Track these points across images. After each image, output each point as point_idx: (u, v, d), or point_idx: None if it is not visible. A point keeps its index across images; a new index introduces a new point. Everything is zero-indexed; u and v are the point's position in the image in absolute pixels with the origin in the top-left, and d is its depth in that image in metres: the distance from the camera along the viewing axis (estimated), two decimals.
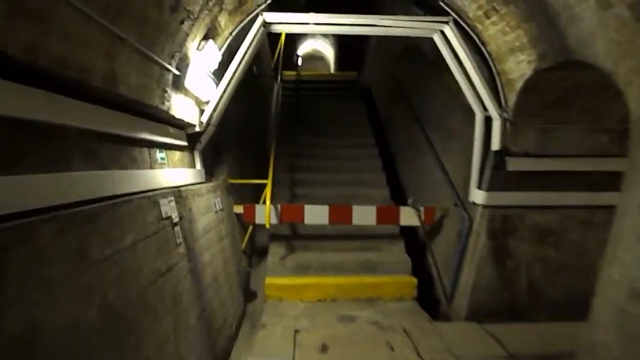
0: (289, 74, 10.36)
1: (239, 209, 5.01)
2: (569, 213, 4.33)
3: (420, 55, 6.62)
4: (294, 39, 14.62)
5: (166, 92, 3.06)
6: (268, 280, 4.86)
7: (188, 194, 3.40)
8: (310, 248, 5.33)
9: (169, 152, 3.56)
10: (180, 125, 3.75)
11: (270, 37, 10.16)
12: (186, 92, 3.51)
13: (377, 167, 6.77)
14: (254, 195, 5.75)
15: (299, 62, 14.78)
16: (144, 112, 2.94)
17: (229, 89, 4.32)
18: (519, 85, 3.86)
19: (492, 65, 4.16)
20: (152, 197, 2.65)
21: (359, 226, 5.23)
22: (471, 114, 4.82)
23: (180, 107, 3.44)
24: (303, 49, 15.73)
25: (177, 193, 3.16)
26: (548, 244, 4.33)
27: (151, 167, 3.12)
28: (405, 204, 6.38)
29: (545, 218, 4.32)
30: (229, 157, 5.31)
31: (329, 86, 10.00)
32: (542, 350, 3.59)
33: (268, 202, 4.75)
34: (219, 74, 4.14)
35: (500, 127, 4.17)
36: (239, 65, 4.19)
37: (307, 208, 5.03)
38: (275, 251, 5.22)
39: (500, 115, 4.12)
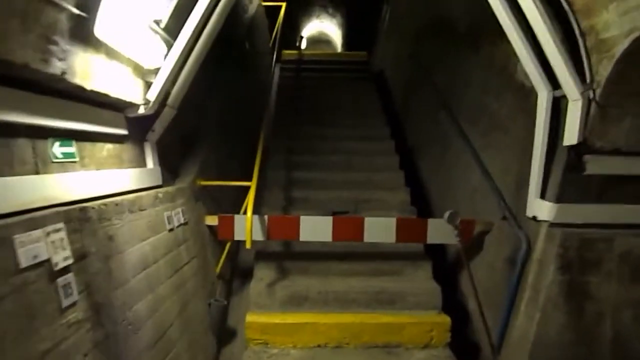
0: (289, 53, 9.03)
1: (212, 221, 3.75)
2: None
3: (450, 27, 5.33)
4: (297, 20, 13.29)
5: (55, 43, 1.79)
6: (250, 317, 3.61)
7: (107, 213, 2.13)
8: (307, 271, 4.07)
9: (87, 145, 2.32)
10: (108, 104, 2.49)
11: (269, 16, 8.91)
12: (107, 50, 2.23)
13: (394, 164, 5.47)
14: (238, 201, 4.49)
15: (303, 44, 13.42)
16: (12, 78, 1.69)
17: (194, 55, 3.05)
18: (620, 48, 2.54)
19: (573, 22, 2.84)
20: None
21: (373, 242, 3.96)
22: (525, 96, 3.56)
23: (97, 72, 2.17)
24: (307, 31, 14.36)
25: (78, 214, 1.89)
26: None
27: (37, 171, 1.87)
28: (429, 211, 5.13)
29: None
30: (204, 152, 4.06)
31: (334, 67, 8.66)
32: None
33: (249, 213, 3.48)
34: (175, 33, 2.87)
35: (582, 112, 2.85)
36: (206, 17, 2.92)
37: (304, 220, 3.76)
38: (262, 275, 3.97)
39: (583, 94, 2.82)
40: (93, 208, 2.01)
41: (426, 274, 4.05)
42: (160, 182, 3.20)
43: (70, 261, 1.74)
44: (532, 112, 3.37)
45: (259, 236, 3.70)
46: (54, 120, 1.99)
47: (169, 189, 3.12)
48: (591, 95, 2.81)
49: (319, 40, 15.09)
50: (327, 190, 4.96)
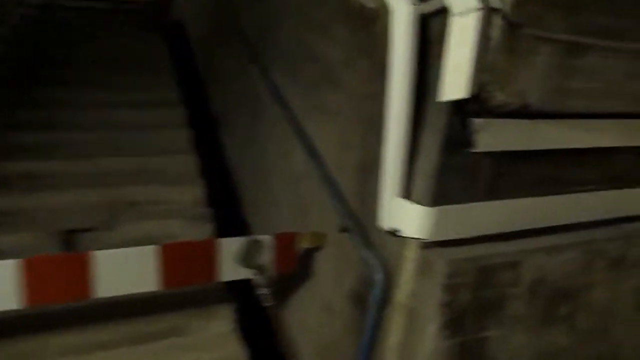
0: None
1: None
2: (595, 245, 1.95)
3: None
4: None
5: None
6: None
7: None
8: None
9: None
10: None
11: None
12: None
13: (181, 142, 3.62)
14: None
15: None
16: None
17: None
18: None
19: None
20: None
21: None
22: (365, 25, 2.11)
23: None
24: None
25: None
26: (559, 320, 1.91)
27: None
28: (240, 214, 3.52)
29: (554, 263, 1.87)
30: None
31: (111, 7, 6.34)
32: None
33: None
34: None
35: (478, 36, 1.49)
36: None
37: None
38: None
39: (482, 2, 1.45)
40: None
41: (225, 327, 2.40)
42: None
43: None
44: (377, 52, 1.97)
45: None
46: None
47: None
48: (496, 4, 1.45)
49: None
50: (65, 192, 2.94)
